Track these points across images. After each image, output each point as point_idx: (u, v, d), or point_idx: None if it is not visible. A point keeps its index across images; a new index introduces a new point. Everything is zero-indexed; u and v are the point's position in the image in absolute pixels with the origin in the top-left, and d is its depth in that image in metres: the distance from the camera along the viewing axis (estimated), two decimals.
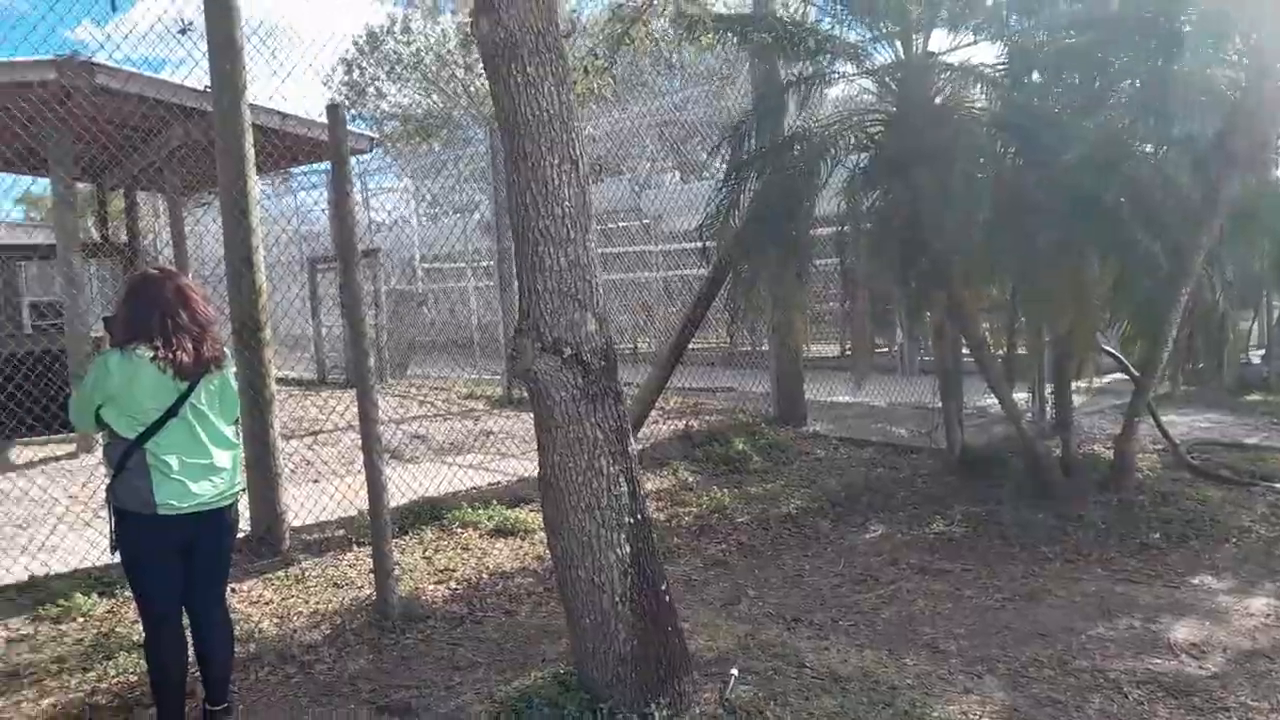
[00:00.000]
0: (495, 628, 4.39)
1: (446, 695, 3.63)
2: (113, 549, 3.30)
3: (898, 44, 6.42)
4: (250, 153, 5.26)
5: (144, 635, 3.36)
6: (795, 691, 3.46)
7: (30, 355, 9.32)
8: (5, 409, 8.56)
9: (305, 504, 6.09)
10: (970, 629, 4.29)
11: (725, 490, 6.80)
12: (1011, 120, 6.07)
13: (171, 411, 3.22)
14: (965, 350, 7.05)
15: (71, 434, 9.03)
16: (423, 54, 24.50)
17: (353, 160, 15.54)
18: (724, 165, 6.93)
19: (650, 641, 3.17)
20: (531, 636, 4.27)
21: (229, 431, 3.44)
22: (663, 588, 3.27)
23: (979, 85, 6.42)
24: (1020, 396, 7.12)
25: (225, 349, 3.47)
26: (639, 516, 3.22)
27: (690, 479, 7.17)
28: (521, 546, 5.62)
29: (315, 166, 13.09)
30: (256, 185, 5.37)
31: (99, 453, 8.64)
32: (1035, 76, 6.44)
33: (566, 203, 3.10)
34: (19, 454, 8.74)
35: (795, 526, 6.03)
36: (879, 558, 5.41)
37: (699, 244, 6.82)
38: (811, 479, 7.12)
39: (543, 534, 5.75)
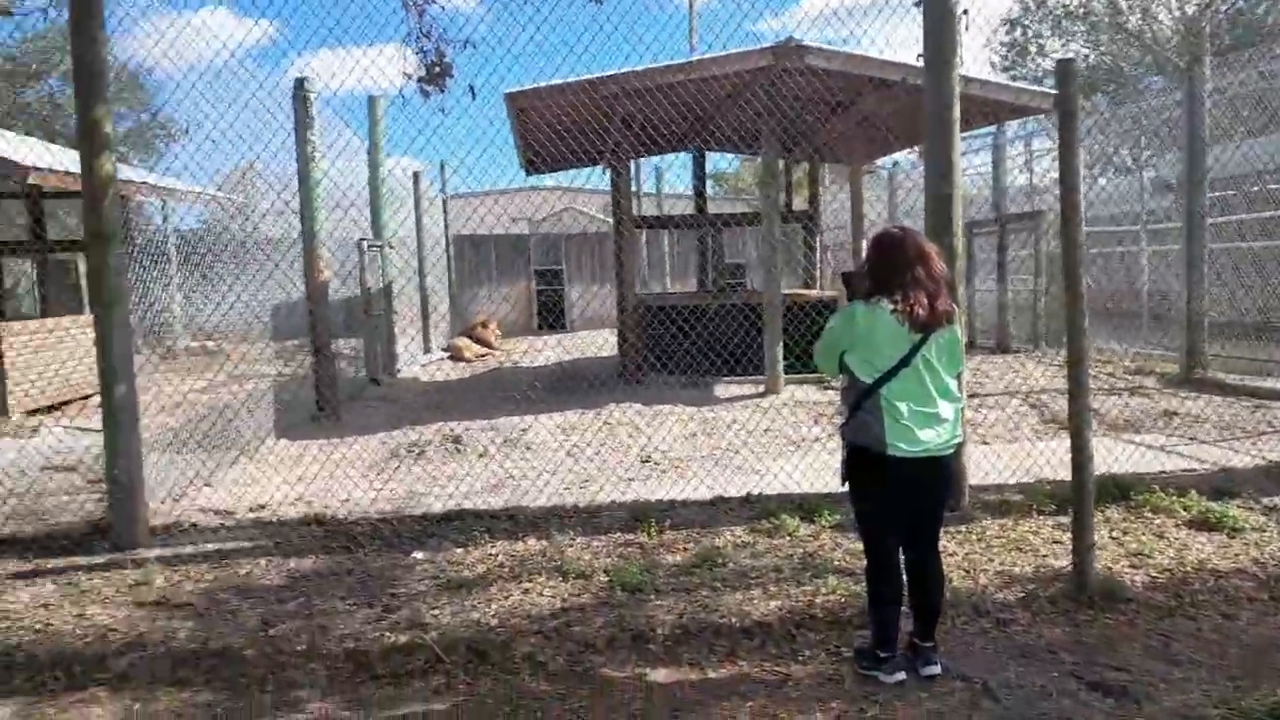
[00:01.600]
0: (1212, 628, 3.92)
1: (1167, 689, 3.35)
2: (843, 480, 3.67)
3: None
4: (957, 119, 5.36)
5: (866, 564, 3.67)
6: None
7: (727, 308, 11.01)
8: (715, 352, 10.24)
9: (978, 465, 6.14)
10: None
11: None
12: None
13: (904, 361, 3.44)
14: None
15: (759, 375, 10.42)
16: (1092, 2, 22.57)
17: (1014, 123, 15.06)
18: None
19: None
20: (1261, 647, 3.73)
21: (953, 384, 3.57)
22: None
23: None
24: None
25: (955, 306, 3.60)
26: None
27: None
28: (1230, 545, 4.93)
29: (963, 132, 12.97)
30: (960, 150, 5.48)
31: (783, 393, 9.90)
32: None
33: None
34: (723, 390, 10.34)
35: None
36: None
37: None
38: None
39: (1258, 534, 5.04)
